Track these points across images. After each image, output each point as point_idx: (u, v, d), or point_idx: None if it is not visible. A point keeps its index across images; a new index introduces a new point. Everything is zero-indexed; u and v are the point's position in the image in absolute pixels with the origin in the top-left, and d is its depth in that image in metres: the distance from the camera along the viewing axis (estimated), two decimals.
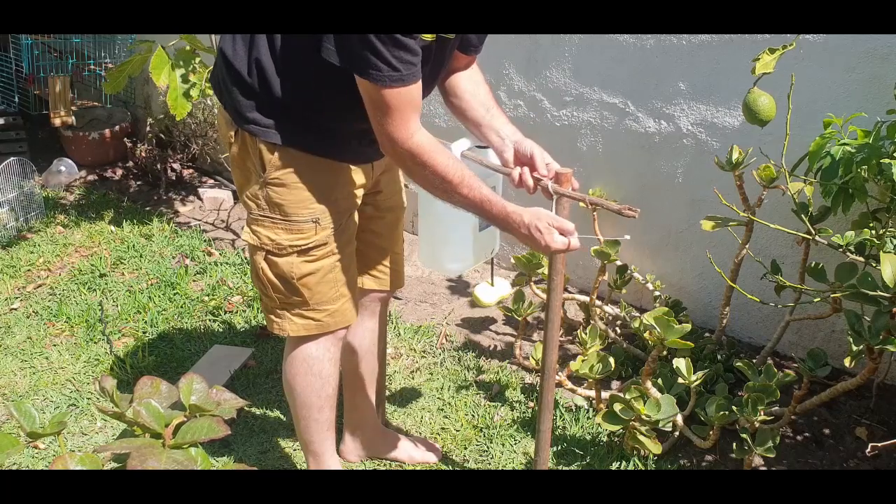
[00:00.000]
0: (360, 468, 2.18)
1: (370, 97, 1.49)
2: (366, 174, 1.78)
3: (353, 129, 1.66)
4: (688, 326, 1.94)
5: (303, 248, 1.71)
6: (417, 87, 1.50)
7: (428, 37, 1.50)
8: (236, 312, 2.93)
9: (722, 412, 2.04)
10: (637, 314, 2.57)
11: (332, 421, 1.96)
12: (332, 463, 2.01)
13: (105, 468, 0.92)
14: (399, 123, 1.50)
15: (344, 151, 1.70)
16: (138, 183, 4.15)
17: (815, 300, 2.08)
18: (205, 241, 3.51)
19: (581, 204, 1.65)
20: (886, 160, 1.78)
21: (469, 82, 1.80)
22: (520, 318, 2.55)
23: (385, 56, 1.42)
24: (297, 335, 1.82)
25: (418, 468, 2.18)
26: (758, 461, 2.15)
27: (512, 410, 2.40)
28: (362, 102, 1.53)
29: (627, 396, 2.06)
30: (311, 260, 1.73)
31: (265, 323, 1.88)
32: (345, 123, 1.65)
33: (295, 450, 2.25)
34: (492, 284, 2.09)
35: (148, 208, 3.86)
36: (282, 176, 1.67)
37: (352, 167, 1.73)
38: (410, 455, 2.20)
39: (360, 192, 1.80)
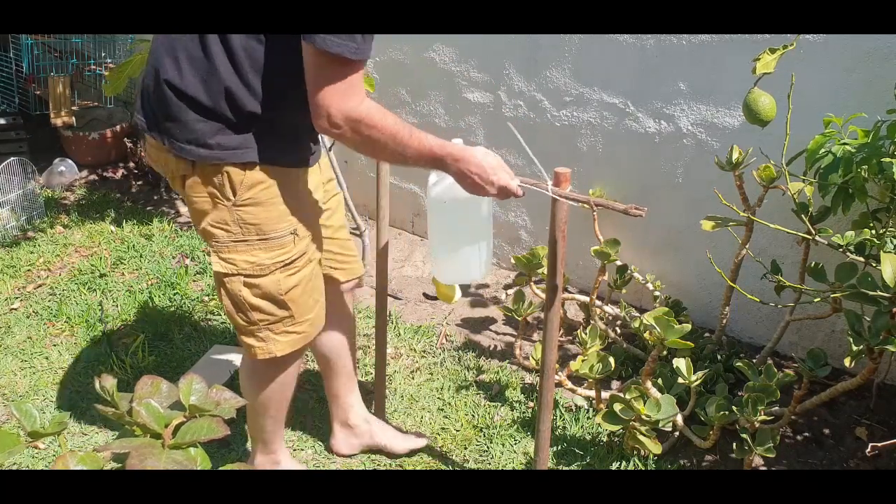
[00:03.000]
0: (359, 468, 2.18)
1: (329, 69, 1.46)
2: (317, 172, 1.81)
3: (311, 127, 1.62)
4: (688, 326, 1.94)
5: (286, 262, 1.70)
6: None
7: None
8: None
9: (722, 412, 2.04)
10: (637, 314, 2.57)
11: (284, 417, 1.99)
12: (281, 451, 2.04)
13: (105, 468, 0.92)
14: (353, 94, 1.49)
15: (305, 154, 1.70)
16: (139, 183, 4.15)
17: (815, 300, 2.08)
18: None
19: (583, 205, 1.65)
20: (887, 159, 1.78)
21: None
22: (520, 318, 2.55)
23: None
24: (284, 354, 1.79)
25: (418, 468, 2.18)
26: (758, 461, 2.15)
27: (512, 410, 2.40)
28: None
29: (627, 396, 2.06)
30: (294, 272, 1.72)
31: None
32: (307, 122, 1.59)
33: (295, 449, 2.25)
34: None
35: (149, 208, 3.86)
36: (255, 194, 1.63)
37: (310, 169, 1.75)
38: (398, 442, 2.21)
39: (320, 192, 1.82)
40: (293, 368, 1.88)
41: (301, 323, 1.77)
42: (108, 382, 0.97)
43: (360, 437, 2.21)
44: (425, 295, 2.98)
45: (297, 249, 1.70)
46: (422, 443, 2.23)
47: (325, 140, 2.55)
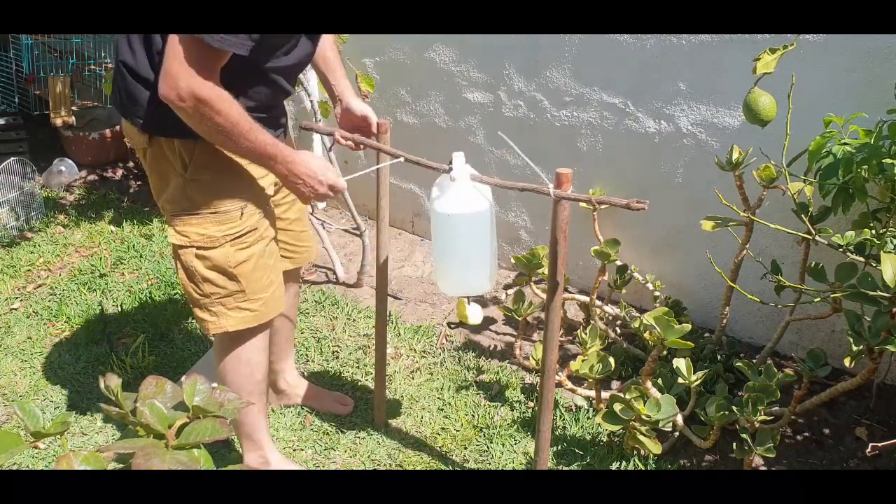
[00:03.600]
0: (359, 468, 2.18)
1: (195, 48, 1.50)
2: None
3: (263, 108, 1.74)
4: (688, 326, 1.94)
5: (235, 235, 1.78)
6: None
7: None
8: None
9: (722, 412, 2.04)
10: (637, 314, 2.58)
11: (263, 409, 2.03)
12: (268, 448, 2.06)
13: (108, 468, 0.92)
14: (207, 76, 1.53)
15: None
16: (138, 183, 4.15)
17: (815, 300, 2.08)
18: None
19: (582, 204, 1.65)
20: (888, 160, 1.78)
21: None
22: (520, 318, 2.55)
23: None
24: (236, 329, 1.86)
25: (418, 468, 2.18)
26: (758, 461, 2.15)
27: (512, 410, 2.41)
28: (271, 80, 1.67)
29: (627, 396, 2.06)
30: (244, 247, 1.80)
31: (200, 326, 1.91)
32: (255, 104, 1.70)
33: (294, 450, 2.25)
34: (469, 303, 2.10)
35: (148, 208, 3.86)
36: (205, 170, 1.73)
37: None
38: (317, 403, 2.39)
39: (271, 177, 1.85)
40: (256, 349, 1.93)
41: (254, 300, 1.84)
42: (112, 382, 0.97)
43: (287, 399, 2.39)
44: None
45: (247, 224, 1.79)
46: (344, 410, 2.37)
47: (324, 140, 2.55)
